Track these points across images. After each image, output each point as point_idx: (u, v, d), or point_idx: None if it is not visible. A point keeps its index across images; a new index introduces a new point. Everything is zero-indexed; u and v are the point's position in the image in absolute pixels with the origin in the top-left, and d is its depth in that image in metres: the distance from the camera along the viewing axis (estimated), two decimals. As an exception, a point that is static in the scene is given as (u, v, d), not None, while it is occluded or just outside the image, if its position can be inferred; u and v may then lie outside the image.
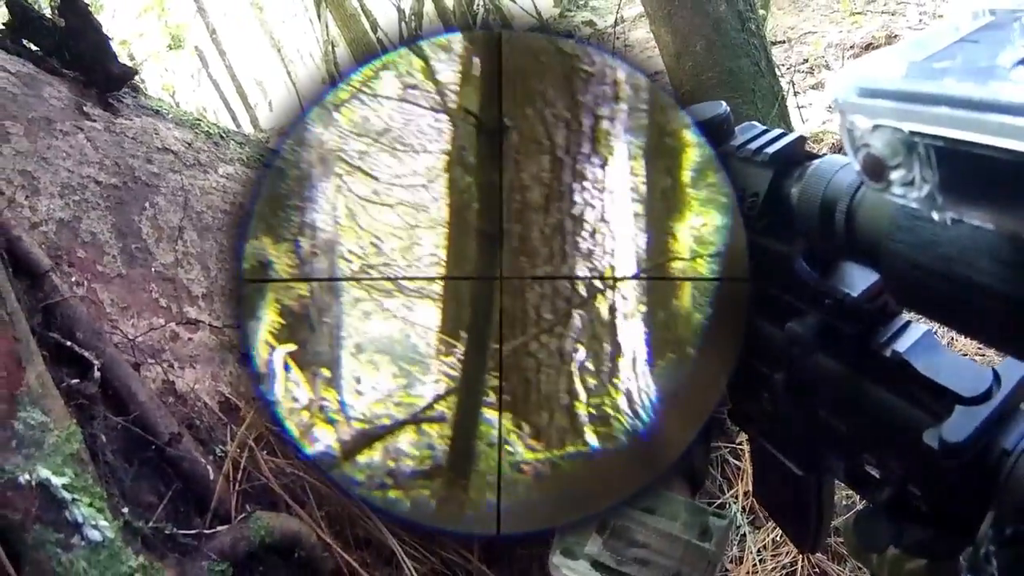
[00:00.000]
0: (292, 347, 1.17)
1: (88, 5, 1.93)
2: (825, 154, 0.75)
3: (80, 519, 1.11)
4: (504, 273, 1.17)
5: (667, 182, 1.15)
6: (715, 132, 0.86)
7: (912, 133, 0.44)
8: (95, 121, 1.80)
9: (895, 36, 5.23)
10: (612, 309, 1.18)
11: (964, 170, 0.43)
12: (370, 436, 1.18)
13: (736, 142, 0.83)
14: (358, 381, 1.19)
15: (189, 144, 1.98)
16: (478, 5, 7.03)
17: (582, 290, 1.19)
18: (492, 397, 1.16)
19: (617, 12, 5.53)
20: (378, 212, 1.20)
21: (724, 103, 0.86)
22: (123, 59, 2.03)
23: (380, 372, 1.19)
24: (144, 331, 1.53)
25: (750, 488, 1.91)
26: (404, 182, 1.20)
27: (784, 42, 5.88)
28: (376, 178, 1.20)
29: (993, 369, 0.67)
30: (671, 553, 1.05)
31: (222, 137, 2.14)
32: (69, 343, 1.35)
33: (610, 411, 1.17)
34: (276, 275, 1.18)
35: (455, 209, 1.21)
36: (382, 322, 1.20)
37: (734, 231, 0.84)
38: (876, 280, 0.73)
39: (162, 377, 1.51)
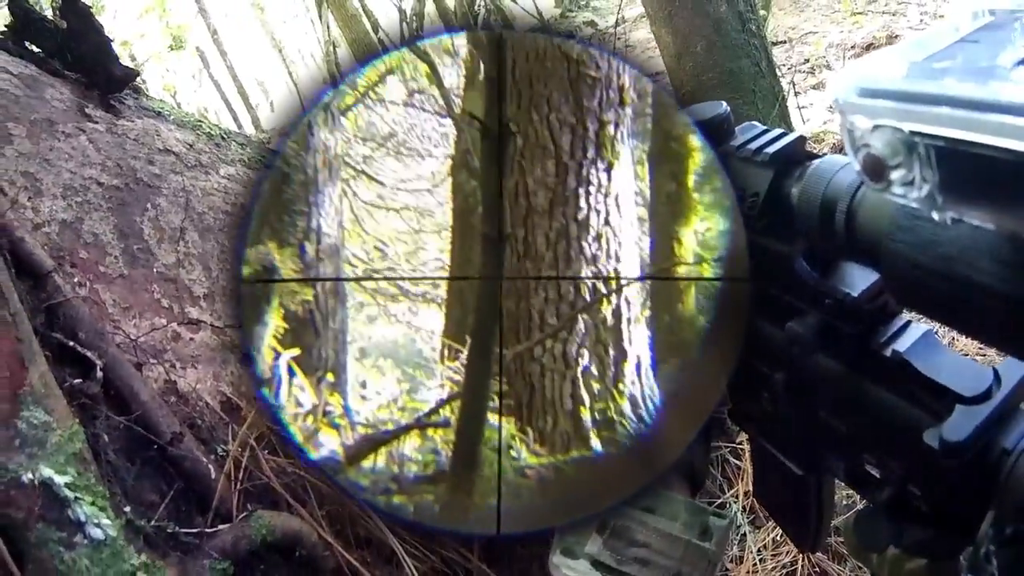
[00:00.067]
0: (297, 352, 1.17)
1: (89, 7, 1.93)
2: (825, 154, 0.75)
3: (82, 518, 1.11)
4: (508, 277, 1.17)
5: (672, 186, 1.15)
6: (715, 132, 0.86)
7: (912, 133, 0.44)
8: (97, 123, 1.80)
9: (896, 36, 5.23)
10: (616, 314, 1.18)
11: (964, 170, 0.43)
12: (375, 441, 1.18)
13: (736, 142, 0.83)
14: (363, 386, 1.19)
15: (191, 145, 1.98)
16: (479, 5, 7.03)
17: (587, 295, 1.19)
18: (497, 402, 1.16)
19: (618, 13, 5.53)
20: (383, 216, 1.20)
21: (724, 103, 0.86)
22: (124, 60, 2.04)
23: (385, 377, 1.19)
24: (146, 331, 1.53)
25: (750, 488, 1.91)
26: (409, 186, 1.20)
27: (785, 42, 5.87)
28: (381, 183, 1.20)
29: (993, 369, 0.67)
30: (671, 553, 1.05)
31: (223, 138, 2.14)
32: (72, 343, 1.35)
33: (614, 416, 1.17)
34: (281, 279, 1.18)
35: (459, 213, 1.21)
36: (387, 327, 1.20)
37: (735, 231, 0.85)
38: (876, 280, 0.73)
39: (164, 377, 1.51)
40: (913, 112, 0.44)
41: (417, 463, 1.17)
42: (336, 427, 1.17)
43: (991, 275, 0.51)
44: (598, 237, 1.19)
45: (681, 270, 1.13)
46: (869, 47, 5.25)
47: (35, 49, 1.89)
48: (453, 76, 1.21)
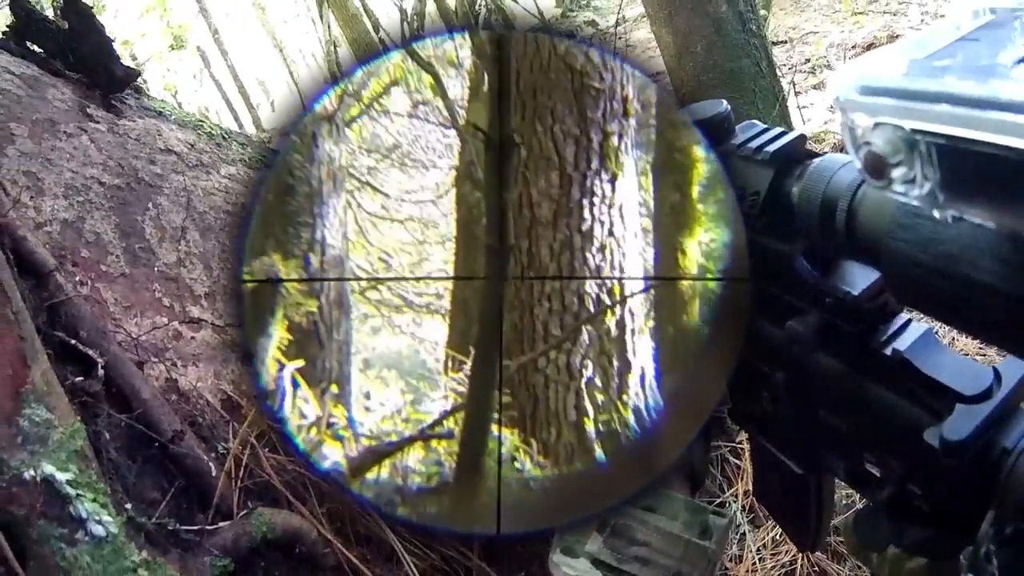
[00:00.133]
0: (301, 363, 1.17)
1: (91, 7, 1.93)
2: (826, 153, 0.75)
3: (84, 515, 1.11)
4: (512, 290, 1.17)
5: (676, 197, 1.15)
6: (715, 130, 0.85)
7: (913, 131, 0.45)
8: (98, 123, 1.81)
9: (897, 36, 5.22)
10: (620, 325, 1.18)
11: (965, 168, 0.43)
12: (378, 453, 1.17)
13: (736, 140, 0.83)
14: (367, 397, 1.19)
15: (192, 145, 1.98)
16: (480, 5, 7.03)
17: (591, 306, 1.19)
18: (502, 416, 1.16)
19: (618, 13, 5.53)
20: (387, 228, 1.20)
21: (724, 102, 0.86)
22: (125, 60, 2.04)
23: (388, 388, 1.19)
24: (147, 330, 1.54)
25: (750, 487, 1.91)
26: (413, 198, 1.20)
27: (786, 42, 5.87)
28: (386, 194, 1.20)
29: (994, 368, 0.67)
30: (671, 552, 1.05)
31: (224, 138, 2.15)
32: (73, 341, 1.35)
33: (618, 427, 1.16)
34: (285, 291, 1.18)
35: (463, 224, 1.21)
36: (391, 338, 1.20)
37: (735, 230, 0.84)
38: (877, 279, 0.72)
39: (165, 375, 1.51)
40: (914, 110, 0.44)
41: (421, 475, 1.17)
42: (340, 439, 1.17)
43: (992, 273, 0.51)
44: (602, 248, 1.19)
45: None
46: (870, 47, 5.24)
47: (37, 49, 1.90)
48: (457, 87, 1.21)
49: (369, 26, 7.15)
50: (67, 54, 1.89)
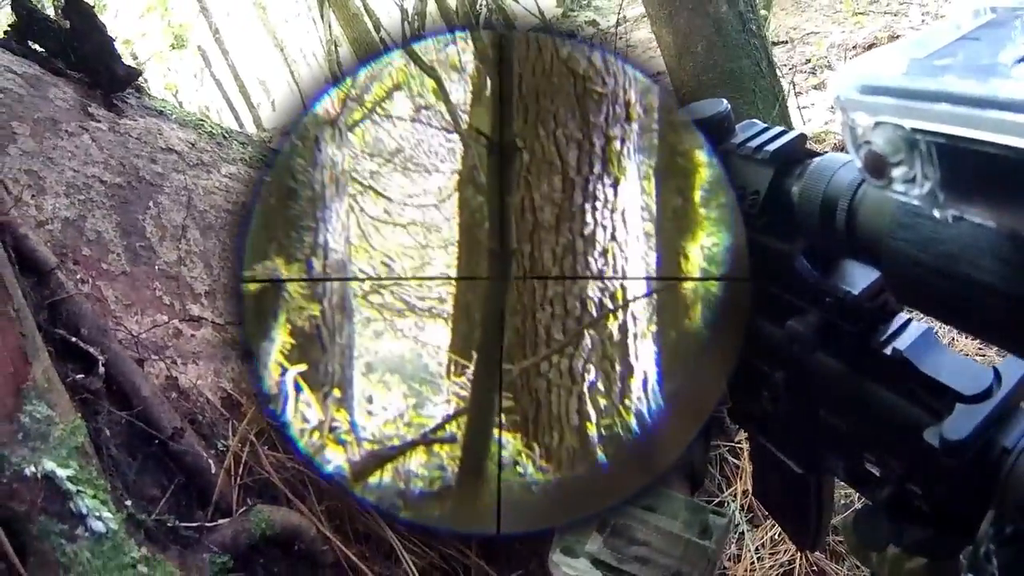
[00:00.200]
0: (303, 367, 1.17)
1: (92, 6, 1.93)
2: (826, 152, 0.75)
3: (84, 511, 1.12)
4: (515, 294, 1.17)
5: (678, 201, 1.15)
6: (715, 130, 0.85)
7: (914, 130, 0.45)
8: (100, 122, 1.81)
9: (897, 36, 5.22)
10: (623, 329, 1.18)
11: (965, 167, 0.43)
12: (381, 457, 1.17)
13: (736, 140, 0.82)
14: (369, 401, 1.19)
15: (192, 144, 1.98)
16: (481, 5, 7.03)
17: (593, 310, 1.19)
18: (503, 418, 1.16)
19: (619, 12, 5.53)
20: (390, 232, 1.20)
21: (724, 101, 0.86)
22: (126, 59, 2.04)
23: (391, 392, 1.19)
24: (148, 328, 1.54)
25: (749, 486, 1.91)
26: (416, 202, 1.20)
27: (786, 42, 5.87)
28: (388, 198, 1.20)
29: (993, 368, 0.67)
30: (671, 551, 1.05)
31: (225, 137, 2.15)
32: (74, 339, 1.36)
33: (620, 432, 1.16)
34: (288, 295, 1.18)
35: (466, 228, 1.21)
36: (393, 342, 1.20)
37: (735, 230, 0.84)
38: (877, 278, 0.72)
39: (165, 373, 1.51)
40: (914, 109, 0.44)
41: (423, 479, 1.17)
42: (343, 443, 1.17)
43: (992, 273, 0.51)
44: (604, 252, 1.19)
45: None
46: (871, 47, 5.24)
47: (38, 49, 1.90)
48: (460, 92, 1.21)
49: (370, 26, 7.15)
50: (69, 53, 1.89)
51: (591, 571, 1.05)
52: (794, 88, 4.33)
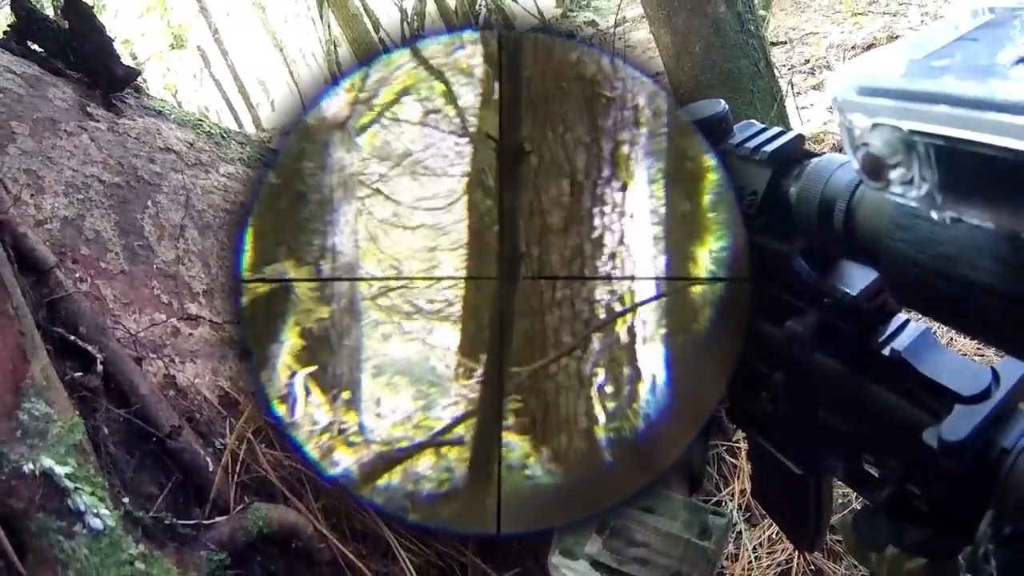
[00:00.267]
0: (313, 369, 1.17)
1: (91, 6, 1.94)
2: (824, 153, 0.75)
3: (82, 508, 1.12)
4: (523, 296, 1.17)
5: (687, 206, 1.15)
6: (713, 130, 0.85)
7: (911, 132, 0.44)
8: (99, 121, 1.81)
9: (896, 37, 5.23)
10: (632, 332, 1.17)
11: (963, 169, 0.43)
12: (390, 459, 1.17)
13: (734, 140, 0.82)
14: (378, 403, 1.19)
15: (191, 144, 1.99)
16: (480, 5, 7.03)
17: (602, 313, 1.18)
18: (511, 420, 1.15)
19: (617, 13, 5.53)
20: (399, 235, 1.20)
21: (722, 101, 0.86)
22: (125, 59, 2.05)
23: (400, 394, 1.19)
24: (146, 326, 1.54)
25: (746, 486, 1.92)
26: (424, 205, 1.20)
27: (785, 43, 5.88)
28: (397, 201, 1.20)
29: (992, 368, 0.67)
30: (671, 552, 1.05)
31: (223, 137, 2.15)
32: (73, 337, 1.36)
33: (628, 435, 1.16)
34: (297, 298, 1.18)
35: (475, 231, 1.20)
36: (402, 344, 1.20)
37: (735, 230, 0.84)
38: (875, 279, 0.72)
39: (163, 371, 1.52)
40: (912, 110, 0.44)
41: (432, 481, 1.16)
42: (351, 444, 1.17)
43: (990, 274, 0.51)
44: (613, 256, 1.19)
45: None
46: (870, 48, 5.24)
47: (38, 49, 1.90)
48: (469, 95, 1.21)
49: (369, 26, 7.16)
50: (68, 53, 1.89)
51: (591, 573, 1.05)
52: (793, 88, 4.34)
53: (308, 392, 1.16)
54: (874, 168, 0.48)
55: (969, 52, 0.47)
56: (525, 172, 1.19)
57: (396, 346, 1.20)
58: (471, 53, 1.21)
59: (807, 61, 5.43)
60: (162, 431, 1.38)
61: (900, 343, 0.72)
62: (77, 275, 1.50)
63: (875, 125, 0.47)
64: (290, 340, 1.17)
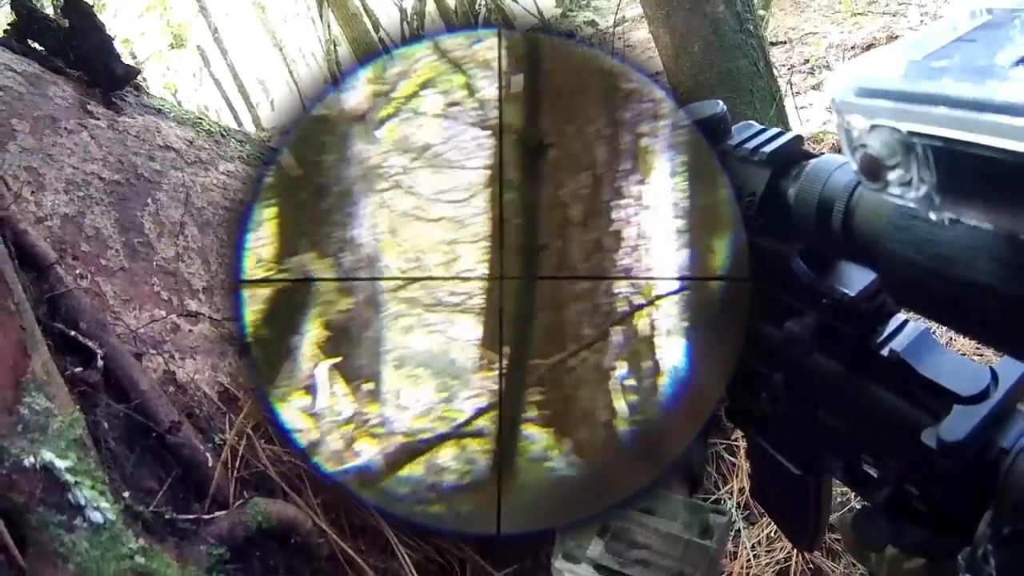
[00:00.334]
0: (336, 360, 1.17)
1: (91, 5, 1.94)
2: (823, 153, 0.75)
3: (82, 501, 1.12)
4: (543, 288, 1.17)
5: (707, 199, 1.15)
6: (712, 131, 0.85)
7: (910, 133, 0.45)
8: (99, 119, 1.81)
9: (896, 37, 5.22)
10: (652, 326, 1.17)
11: (962, 170, 0.43)
12: (412, 450, 1.17)
13: (733, 141, 0.82)
14: (399, 395, 1.19)
15: (191, 142, 1.99)
16: (480, 5, 7.03)
17: (622, 307, 1.18)
18: (533, 412, 1.15)
19: (616, 13, 5.53)
20: (419, 227, 1.20)
21: (721, 102, 0.85)
22: (125, 58, 2.05)
23: (421, 386, 1.19)
24: (146, 322, 1.55)
25: (745, 484, 1.92)
26: (445, 198, 1.20)
27: (785, 43, 5.88)
28: (418, 194, 1.20)
29: (991, 368, 0.67)
30: (672, 553, 1.05)
31: (223, 135, 2.16)
32: (73, 333, 1.37)
33: (646, 428, 1.16)
34: (319, 290, 1.18)
35: (495, 224, 1.20)
36: (423, 336, 1.20)
37: (735, 230, 0.84)
38: (874, 279, 0.72)
39: (163, 367, 1.52)
40: (911, 112, 0.44)
41: (454, 472, 1.16)
42: (374, 436, 1.17)
43: (989, 275, 0.50)
44: (633, 250, 1.19)
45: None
46: (869, 48, 5.24)
47: (38, 47, 1.91)
48: (489, 89, 1.21)
49: (369, 25, 7.15)
50: (68, 52, 1.90)
51: (593, 576, 1.05)
52: (792, 88, 4.34)
53: (331, 383, 1.17)
54: (872, 169, 0.48)
55: (968, 53, 0.46)
56: (545, 165, 1.19)
57: (417, 338, 1.20)
58: (491, 46, 1.21)
59: (806, 61, 5.43)
60: (162, 426, 1.38)
61: (899, 343, 0.72)
62: (77, 271, 1.51)
63: (873, 126, 0.46)
64: (313, 331, 1.17)
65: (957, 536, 0.67)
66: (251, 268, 1.15)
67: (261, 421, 1.53)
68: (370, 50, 6.56)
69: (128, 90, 2.00)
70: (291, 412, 1.16)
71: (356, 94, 1.21)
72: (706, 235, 1.07)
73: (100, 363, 1.35)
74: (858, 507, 0.76)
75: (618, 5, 5.56)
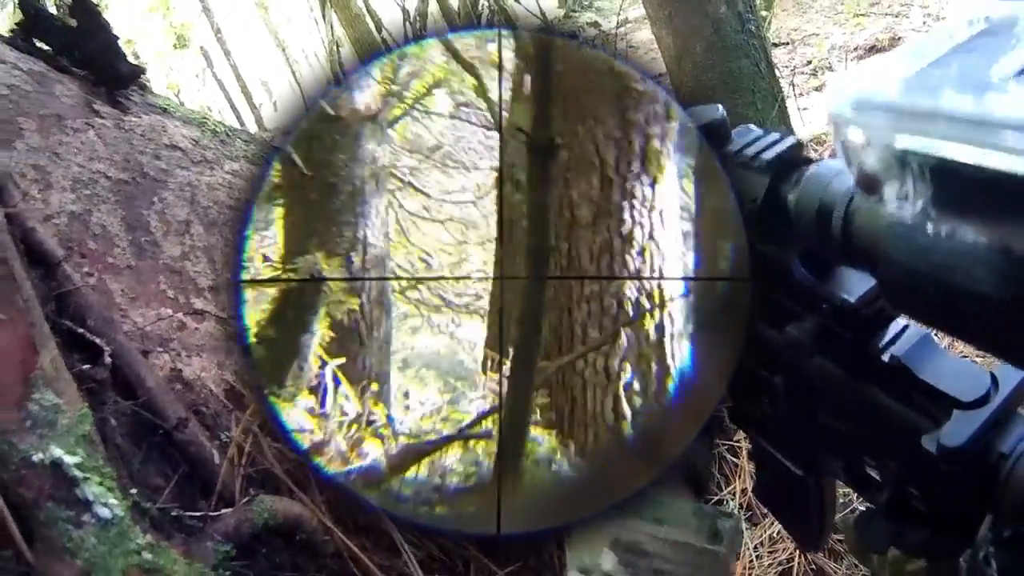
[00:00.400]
0: (342, 360, 1.18)
1: (97, 5, 1.95)
2: (824, 158, 0.75)
3: (90, 497, 1.13)
4: (552, 290, 1.17)
5: (716, 201, 1.15)
6: (711, 136, 0.85)
7: (904, 150, 0.45)
8: (105, 118, 1.82)
9: (899, 38, 5.22)
10: (660, 328, 1.17)
11: (957, 186, 0.43)
12: (417, 451, 1.18)
13: (733, 147, 0.82)
14: (406, 396, 1.20)
15: (196, 141, 2.00)
16: (483, 5, 7.03)
17: (630, 309, 1.18)
18: (538, 415, 1.16)
19: (619, 13, 5.53)
20: (428, 228, 1.20)
21: (720, 106, 0.85)
22: (129, 58, 2.05)
23: (427, 387, 1.19)
24: (152, 320, 1.55)
25: (748, 485, 1.92)
26: (454, 198, 1.21)
27: (787, 44, 5.88)
28: (427, 194, 1.21)
29: (991, 373, 0.67)
30: (683, 560, 1.05)
31: (228, 135, 2.17)
32: (81, 330, 1.37)
33: (651, 432, 1.16)
34: (328, 289, 1.18)
35: (504, 225, 1.20)
36: (430, 337, 1.20)
37: (735, 232, 0.85)
38: (873, 285, 0.72)
39: (170, 365, 1.53)
40: (906, 128, 0.44)
41: (459, 474, 1.17)
42: (380, 436, 1.17)
43: (987, 282, 0.51)
44: (642, 251, 1.18)
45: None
46: (872, 49, 5.25)
47: (44, 46, 1.91)
48: (503, 90, 1.21)
49: (372, 26, 7.15)
50: (74, 51, 1.91)
51: (607, 588, 1.06)
52: (794, 89, 4.34)
53: (337, 383, 1.17)
54: (869, 183, 0.48)
55: (965, 64, 0.46)
56: (555, 166, 1.19)
57: (424, 339, 1.20)
58: (502, 46, 1.21)
59: (809, 62, 5.43)
60: (169, 423, 1.39)
61: (899, 348, 0.72)
62: (85, 269, 1.51)
63: (870, 141, 0.47)
64: (320, 331, 1.18)
65: (958, 538, 0.67)
66: (259, 268, 1.15)
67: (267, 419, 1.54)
68: (373, 51, 6.56)
69: (133, 89, 2.01)
70: (297, 412, 1.17)
71: (367, 94, 1.22)
72: (710, 237, 1.07)
73: (107, 360, 1.35)
74: (860, 508, 0.77)
75: (621, 6, 5.56)
